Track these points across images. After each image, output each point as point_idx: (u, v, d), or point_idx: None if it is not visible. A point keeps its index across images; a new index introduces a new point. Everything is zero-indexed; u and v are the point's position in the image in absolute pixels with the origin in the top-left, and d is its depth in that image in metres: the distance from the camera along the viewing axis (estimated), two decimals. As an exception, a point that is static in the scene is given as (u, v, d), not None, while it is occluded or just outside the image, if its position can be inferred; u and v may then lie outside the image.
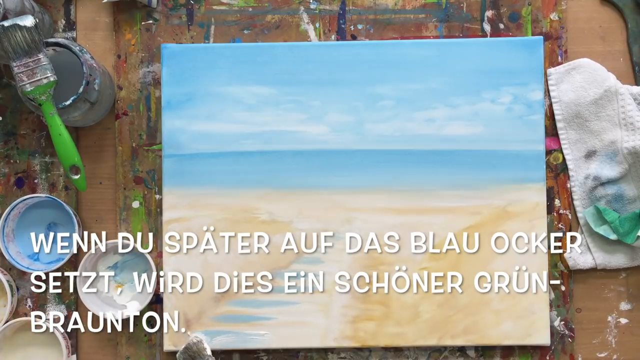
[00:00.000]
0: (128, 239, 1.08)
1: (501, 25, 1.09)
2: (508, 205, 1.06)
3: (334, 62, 1.07)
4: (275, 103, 1.07)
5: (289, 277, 1.06)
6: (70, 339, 1.08)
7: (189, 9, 1.10)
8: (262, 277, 1.06)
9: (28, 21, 0.96)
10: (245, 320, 1.06)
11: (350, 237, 1.06)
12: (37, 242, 1.08)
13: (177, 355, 1.05)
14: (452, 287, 1.06)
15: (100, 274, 1.08)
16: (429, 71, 1.07)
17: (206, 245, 1.06)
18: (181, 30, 1.10)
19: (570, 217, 1.08)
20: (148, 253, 1.07)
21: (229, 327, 1.06)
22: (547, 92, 1.09)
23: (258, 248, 1.06)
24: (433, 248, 1.06)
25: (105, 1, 1.09)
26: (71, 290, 1.09)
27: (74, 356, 1.08)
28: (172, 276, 1.06)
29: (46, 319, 1.08)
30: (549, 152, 1.08)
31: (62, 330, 1.07)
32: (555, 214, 1.08)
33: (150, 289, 1.07)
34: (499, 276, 1.06)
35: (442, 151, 1.06)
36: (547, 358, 1.07)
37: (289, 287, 1.06)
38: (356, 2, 1.10)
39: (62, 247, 1.08)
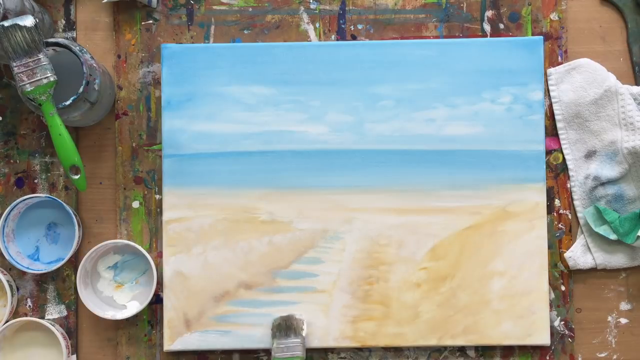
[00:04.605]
0: (128, 239, 1.08)
1: (501, 25, 1.09)
2: (508, 205, 1.06)
3: (334, 62, 1.07)
4: (275, 103, 1.07)
5: (289, 277, 1.06)
6: (70, 339, 1.08)
7: (189, 9, 1.10)
8: (262, 277, 1.06)
9: (28, 21, 0.96)
10: (245, 320, 1.06)
11: (350, 237, 1.06)
12: (37, 242, 1.09)
13: (275, 317, 1.04)
14: (452, 287, 1.06)
15: (100, 274, 1.08)
16: (429, 71, 1.07)
17: (206, 245, 1.06)
18: (181, 30, 1.10)
19: (570, 217, 1.08)
20: (148, 253, 1.07)
21: (229, 327, 1.06)
22: (547, 92, 1.09)
23: (258, 248, 1.06)
24: (433, 248, 1.06)
25: (105, 1, 1.09)
26: (71, 290, 1.09)
27: (74, 356, 1.08)
28: (172, 276, 1.06)
29: (46, 319, 1.08)
30: (549, 152, 1.08)
31: (62, 330, 1.07)
32: (555, 214, 1.08)
33: (150, 289, 1.07)
34: (499, 276, 1.06)
35: (442, 151, 1.06)
36: (547, 358, 1.07)
37: (289, 287, 1.06)
38: (356, 2, 1.10)
39: (62, 247, 1.08)
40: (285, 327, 1.03)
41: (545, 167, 1.07)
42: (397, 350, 1.08)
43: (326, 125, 1.07)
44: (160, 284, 1.08)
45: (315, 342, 1.06)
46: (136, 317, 1.08)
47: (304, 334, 1.04)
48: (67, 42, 1.01)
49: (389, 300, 1.06)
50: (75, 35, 1.11)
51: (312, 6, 1.10)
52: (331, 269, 1.06)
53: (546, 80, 1.09)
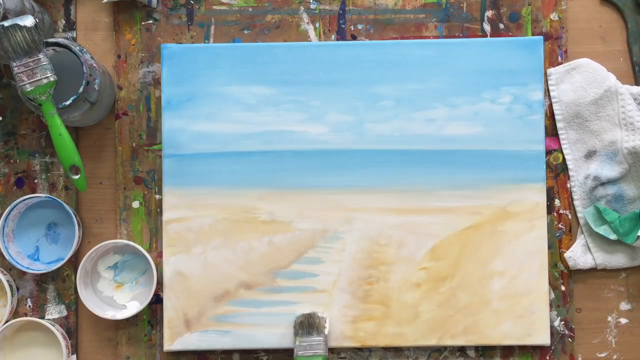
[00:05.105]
0: (128, 239, 1.08)
1: (501, 25, 1.09)
2: (508, 205, 1.06)
3: (334, 62, 1.07)
4: (275, 103, 1.07)
5: (289, 277, 1.06)
6: (70, 339, 1.08)
7: (189, 9, 1.10)
8: (262, 277, 1.06)
9: (28, 21, 0.96)
10: (245, 320, 1.06)
11: (350, 237, 1.06)
12: (37, 242, 1.09)
13: (297, 315, 1.04)
14: (452, 287, 1.06)
15: (100, 274, 1.08)
16: (429, 71, 1.07)
17: (206, 245, 1.06)
18: (181, 30, 1.10)
19: (570, 217, 1.08)
20: (148, 253, 1.07)
21: (229, 327, 1.06)
22: (547, 92, 1.09)
23: (258, 248, 1.06)
24: (433, 248, 1.06)
25: (105, 1, 1.09)
26: (71, 290, 1.09)
27: (74, 356, 1.08)
28: (172, 276, 1.06)
29: (46, 319, 1.08)
30: (549, 152, 1.08)
31: (62, 330, 1.07)
32: (555, 214, 1.08)
33: (150, 289, 1.07)
34: (499, 276, 1.06)
35: (442, 151, 1.06)
36: (547, 358, 1.07)
37: (289, 287, 1.06)
38: (356, 2, 1.10)
39: (62, 247, 1.08)
40: (308, 324, 1.03)
41: (545, 167, 1.07)
42: (397, 350, 1.08)
43: (326, 125, 1.07)
44: (160, 284, 1.08)
45: (315, 342, 1.06)
46: (136, 317, 1.08)
47: (326, 332, 1.04)
48: (67, 42, 1.01)
49: (389, 300, 1.06)
50: (75, 35, 1.11)
51: (312, 6, 1.10)
52: (331, 269, 1.06)
53: (546, 80, 1.09)
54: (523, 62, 1.07)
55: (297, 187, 1.07)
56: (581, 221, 1.08)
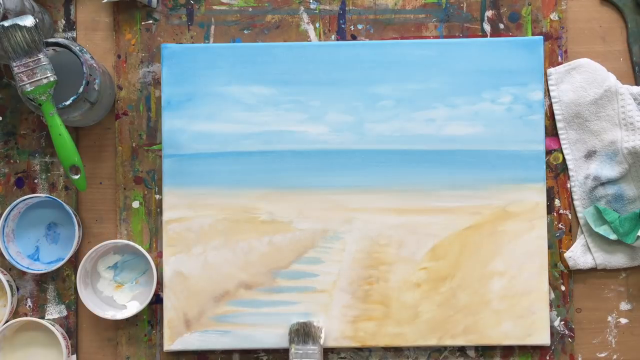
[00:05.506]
0: (128, 239, 1.08)
1: (501, 25, 1.09)
2: (508, 205, 1.06)
3: (334, 62, 1.07)
4: (275, 103, 1.07)
5: (289, 277, 1.06)
6: (70, 339, 1.08)
7: (189, 9, 1.10)
8: (262, 277, 1.06)
9: (28, 21, 0.96)
10: (245, 320, 1.06)
11: (350, 237, 1.06)
12: (37, 242, 1.09)
13: (293, 323, 1.04)
14: (452, 287, 1.06)
15: (100, 274, 1.08)
16: (429, 71, 1.07)
17: (206, 245, 1.06)
18: (181, 30, 1.10)
19: (570, 217, 1.08)
20: (148, 253, 1.07)
21: (229, 327, 1.06)
22: (547, 92, 1.09)
23: (258, 248, 1.06)
24: (433, 248, 1.06)
25: (105, 1, 1.09)
26: (71, 290, 1.09)
27: (74, 356, 1.08)
28: (172, 276, 1.06)
29: (46, 319, 1.08)
30: (549, 152, 1.08)
31: (62, 330, 1.07)
32: (555, 214, 1.08)
33: (150, 289, 1.07)
34: (499, 276, 1.06)
35: (442, 151, 1.06)
36: (547, 358, 1.07)
37: (289, 287, 1.06)
38: (356, 2, 1.10)
39: (62, 247, 1.08)
40: (304, 333, 1.04)
41: (545, 167, 1.07)
42: (397, 350, 1.08)
43: (326, 125, 1.07)
44: (160, 284, 1.08)
45: (315, 342, 1.06)
46: (136, 317, 1.08)
47: (321, 342, 1.04)
48: (67, 42, 1.01)
49: (389, 300, 1.06)
50: (75, 35, 1.11)
51: (312, 6, 1.10)
52: (331, 269, 1.06)
53: (546, 80, 1.09)
54: (523, 62, 1.07)
55: (297, 187, 1.07)
56: (581, 221, 1.08)
